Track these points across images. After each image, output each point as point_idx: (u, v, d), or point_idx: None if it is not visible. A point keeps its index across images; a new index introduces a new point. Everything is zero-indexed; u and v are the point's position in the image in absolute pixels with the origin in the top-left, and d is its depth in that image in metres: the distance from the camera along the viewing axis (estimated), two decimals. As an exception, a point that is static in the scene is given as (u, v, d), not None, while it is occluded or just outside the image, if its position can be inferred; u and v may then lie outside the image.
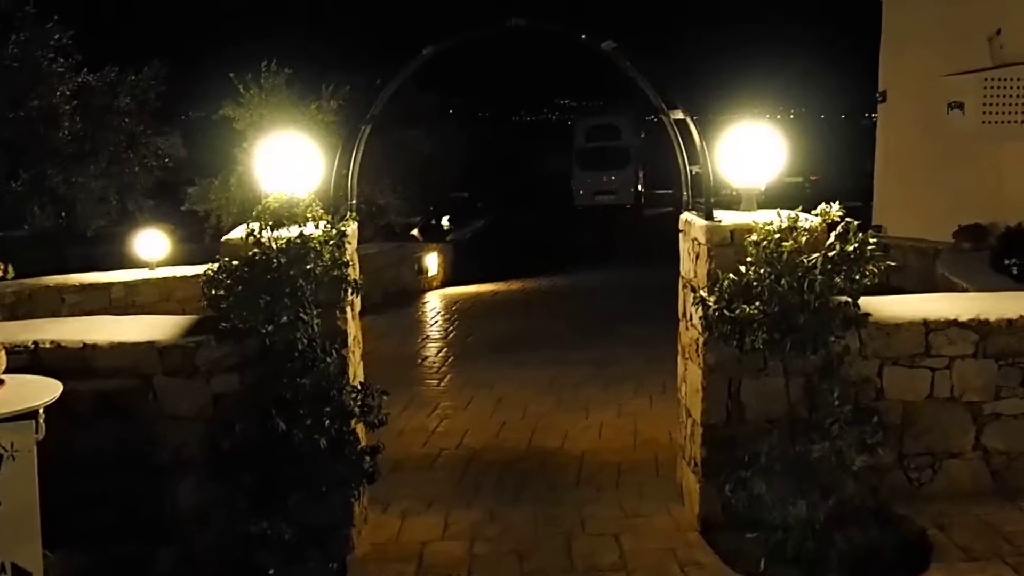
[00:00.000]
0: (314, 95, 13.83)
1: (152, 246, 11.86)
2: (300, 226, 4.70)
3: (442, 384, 9.31)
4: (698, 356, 5.29)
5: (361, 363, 5.63)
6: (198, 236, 14.95)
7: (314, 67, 14.82)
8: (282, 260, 4.51)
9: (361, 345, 5.69)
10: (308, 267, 4.48)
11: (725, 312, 4.73)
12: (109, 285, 11.10)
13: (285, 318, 4.53)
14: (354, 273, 5.11)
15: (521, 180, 36.33)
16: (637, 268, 18.07)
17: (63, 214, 13.54)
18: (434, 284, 16.17)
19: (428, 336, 11.77)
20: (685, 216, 5.65)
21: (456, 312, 13.47)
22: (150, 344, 5.00)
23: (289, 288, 4.51)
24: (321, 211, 4.82)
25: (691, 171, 5.61)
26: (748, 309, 4.63)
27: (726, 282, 4.81)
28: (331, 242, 4.61)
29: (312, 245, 4.57)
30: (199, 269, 11.95)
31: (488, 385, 9.06)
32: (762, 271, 4.76)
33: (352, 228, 5.36)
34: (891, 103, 15.46)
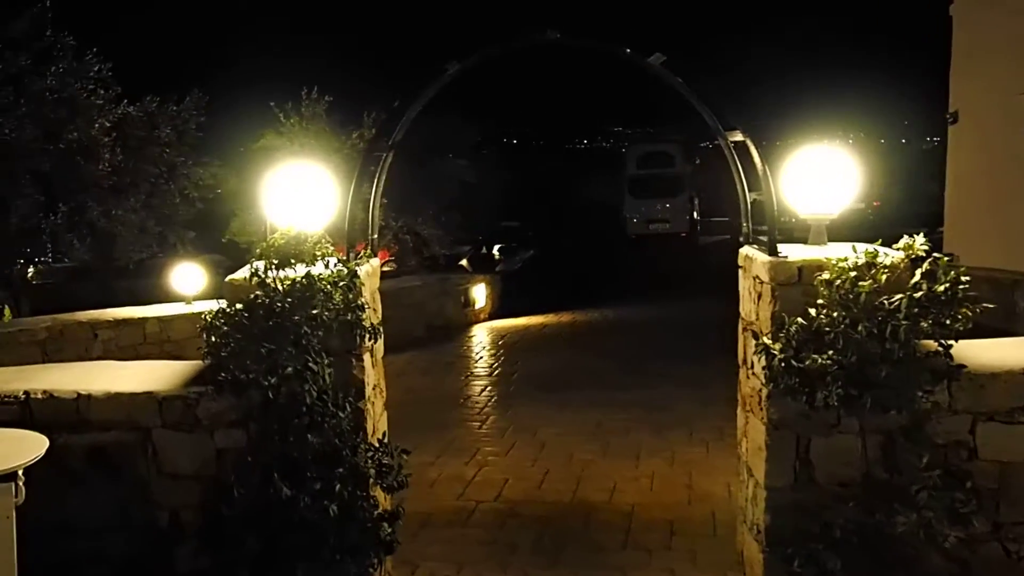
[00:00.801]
0: (355, 123, 13.49)
1: (189, 279, 11.51)
2: (308, 265, 4.19)
3: (483, 427, 8.74)
4: (761, 410, 4.65)
5: (384, 413, 5.11)
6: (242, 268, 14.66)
7: (356, 95, 14.52)
8: (286, 304, 4.00)
9: (384, 393, 5.17)
10: (315, 311, 3.96)
11: (793, 363, 4.10)
12: (143, 320, 10.74)
13: (290, 368, 4.02)
14: (373, 316, 4.59)
15: (571, 209, 35.79)
16: (692, 301, 17.40)
17: (102, 247, 13.36)
18: (481, 317, 15.64)
19: (472, 373, 11.23)
20: (745, 250, 5.03)
21: (502, 347, 12.92)
22: (149, 395, 4.53)
23: (294, 335, 4.00)
24: (331, 248, 4.30)
25: (750, 199, 5.00)
26: (820, 360, 4.01)
27: (793, 327, 4.19)
28: (342, 283, 4.09)
29: (321, 286, 4.06)
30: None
31: (532, 429, 8.47)
32: (835, 315, 4.14)
33: (370, 266, 4.86)
34: (963, 124, 14.64)
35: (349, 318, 4.20)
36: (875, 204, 35.54)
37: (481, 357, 12.28)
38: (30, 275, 21.00)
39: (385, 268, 15.95)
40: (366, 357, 4.58)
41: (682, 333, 13.64)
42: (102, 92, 12.63)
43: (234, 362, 4.01)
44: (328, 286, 4.06)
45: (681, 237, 31.58)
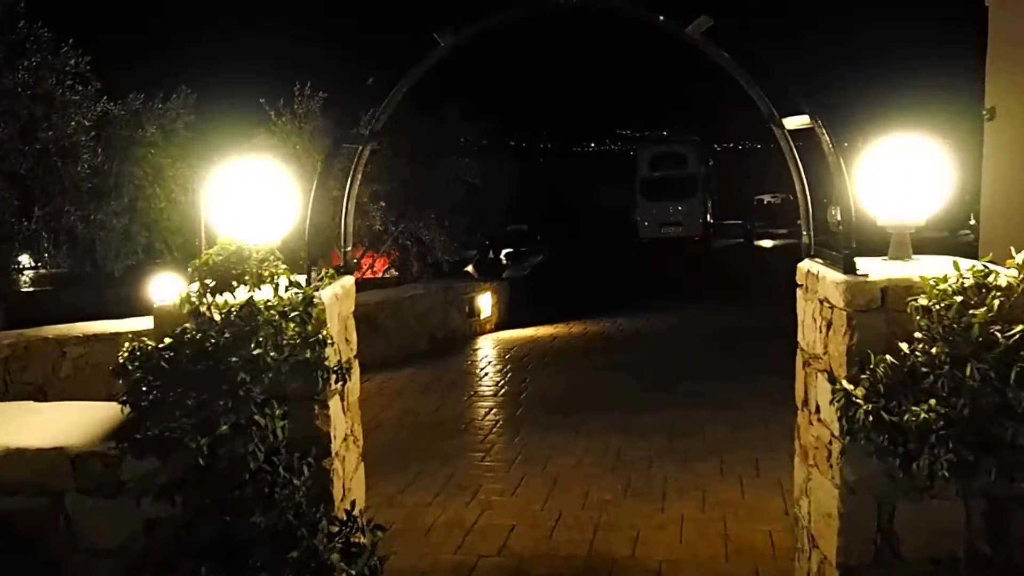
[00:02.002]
0: (352, 122, 12.53)
1: (168, 290, 10.61)
2: (252, 289, 3.24)
3: (488, 457, 7.79)
4: (831, 467, 3.69)
5: (360, 467, 4.16)
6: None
7: (354, 91, 13.57)
8: (222, 340, 3.06)
9: (360, 442, 4.22)
10: (256, 352, 3.01)
11: (883, 415, 3.15)
12: (116, 336, 9.83)
13: (226, 425, 3.08)
14: (344, 350, 3.65)
15: (582, 212, 34.87)
16: (711, 309, 16.45)
17: (81, 253, 12.48)
18: (487, 327, 14.68)
19: (476, 392, 10.27)
20: (807, 266, 4.07)
21: (509, 361, 11.96)
22: (59, 451, 3.59)
23: (231, 381, 3.06)
24: (283, 266, 3.34)
25: (809, 201, 4.05)
26: (921, 413, 3.05)
27: (881, 367, 3.24)
28: (294, 312, 3.15)
29: (267, 317, 3.11)
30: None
31: (542, 460, 7.52)
32: (935, 351, 3.19)
33: (340, 288, 3.91)
34: (1000, 121, 13.68)
35: (308, 356, 3.26)
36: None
37: (486, 373, 11.32)
38: (23, 281, 20.19)
39: (386, 276, 15.02)
40: (333, 403, 3.63)
41: (704, 345, 12.67)
42: (80, 88, 11.73)
43: (155, 416, 3.07)
44: (276, 316, 3.11)
45: (695, 241, 30.60)
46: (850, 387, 3.24)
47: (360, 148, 4.17)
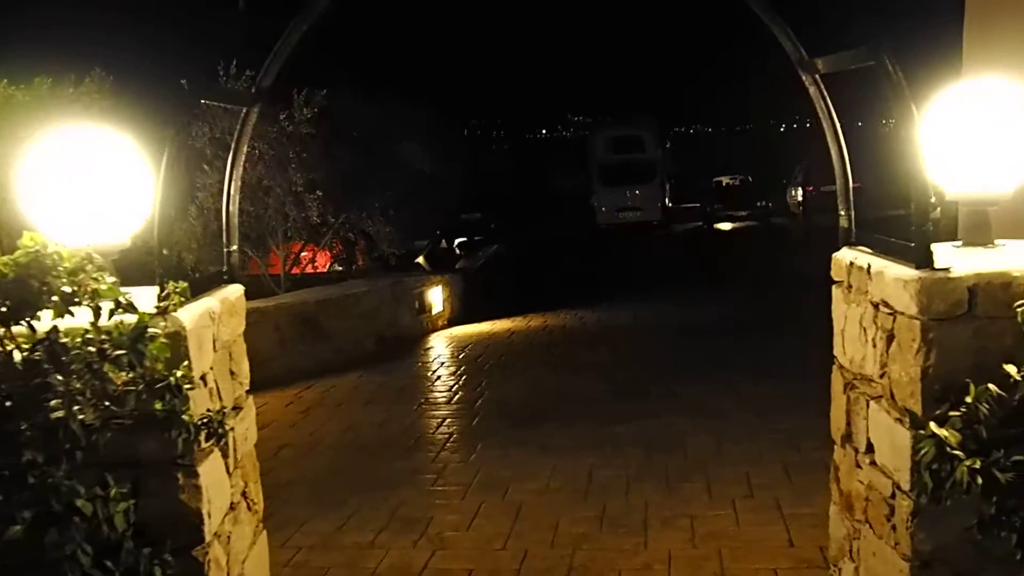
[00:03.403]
0: (284, 103, 11.41)
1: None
2: (59, 314, 2.17)
3: (440, 481, 6.75)
4: (894, 530, 2.72)
5: (261, 538, 3.10)
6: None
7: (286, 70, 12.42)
8: (15, 391, 2.00)
9: (259, 507, 3.16)
10: (58, 413, 1.96)
11: (996, 474, 2.18)
12: None
13: (27, 513, 2.02)
14: (228, 389, 2.60)
15: (537, 199, 33.94)
16: (676, 299, 15.54)
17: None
18: (439, 323, 13.63)
19: (427, 400, 9.21)
20: (849, 257, 3.08)
21: (464, 362, 10.93)
22: None
23: (31, 450, 2.00)
24: (109, 279, 2.26)
25: (849, 170, 3.06)
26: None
27: (985, 401, 2.27)
28: (121, 351, 2.09)
29: (83, 355, 2.06)
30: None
31: (502, 483, 6.51)
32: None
33: (216, 304, 2.84)
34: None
35: (158, 408, 2.21)
36: (855, 185, 34.03)
37: (439, 377, 10.27)
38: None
39: (329, 272, 13.89)
40: (207, 466, 2.58)
41: (673, 341, 11.74)
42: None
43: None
44: (93, 355, 2.06)
45: (653, 226, 29.82)
46: (943, 432, 2.26)
47: (245, 111, 3.12)
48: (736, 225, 33.11)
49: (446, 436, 7.77)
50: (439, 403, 9.02)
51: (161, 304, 2.37)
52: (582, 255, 25.09)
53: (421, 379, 10.22)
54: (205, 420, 2.41)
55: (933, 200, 2.73)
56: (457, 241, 25.13)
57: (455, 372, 10.36)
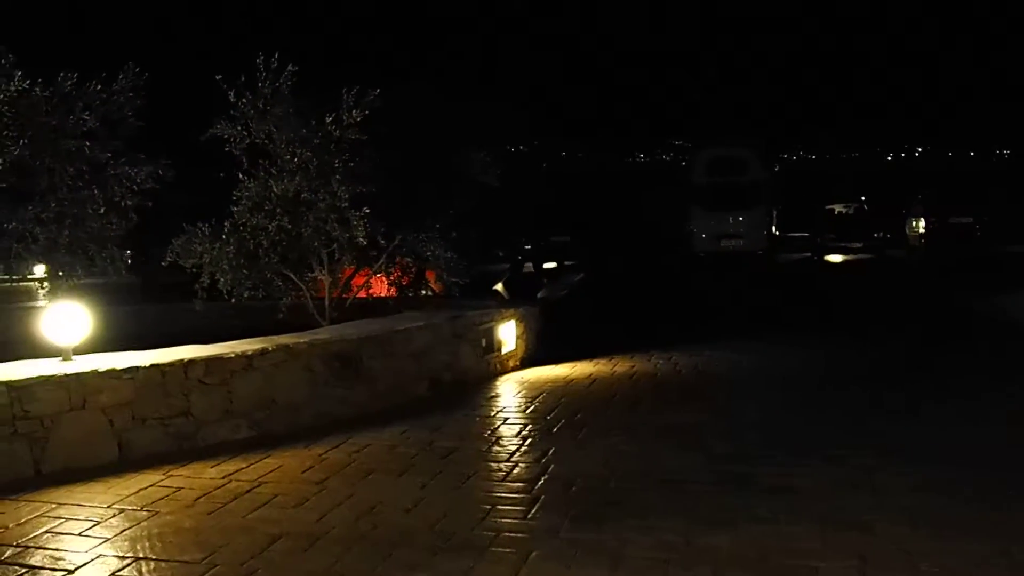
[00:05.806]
0: (332, 103, 9.79)
1: (66, 324, 7.95)
2: None
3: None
4: None
5: None
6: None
7: (334, 65, 10.84)
8: None
9: None
10: None
11: None
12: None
13: None
14: None
15: (626, 223, 31.96)
16: (786, 342, 13.43)
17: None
18: (510, 364, 11.82)
19: (476, 472, 7.31)
20: None
21: (531, 417, 9.06)
22: None
23: None
24: None
25: None
26: None
27: None
28: None
29: None
30: (145, 358, 7.97)
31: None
32: None
33: None
34: None
35: None
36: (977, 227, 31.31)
37: (497, 438, 8.40)
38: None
39: (384, 298, 12.23)
40: None
41: (785, 400, 9.67)
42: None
43: None
44: None
45: (757, 256, 27.46)
46: None
47: None
48: (848, 257, 30.46)
49: (492, 535, 5.87)
50: (492, 478, 7.16)
51: None
52: (677, 286, 23.01)
53: (476, 439, 8.38)
54: None
55: None
56: (546, 266, 23.33)
57: (519, 432, 8.50)
